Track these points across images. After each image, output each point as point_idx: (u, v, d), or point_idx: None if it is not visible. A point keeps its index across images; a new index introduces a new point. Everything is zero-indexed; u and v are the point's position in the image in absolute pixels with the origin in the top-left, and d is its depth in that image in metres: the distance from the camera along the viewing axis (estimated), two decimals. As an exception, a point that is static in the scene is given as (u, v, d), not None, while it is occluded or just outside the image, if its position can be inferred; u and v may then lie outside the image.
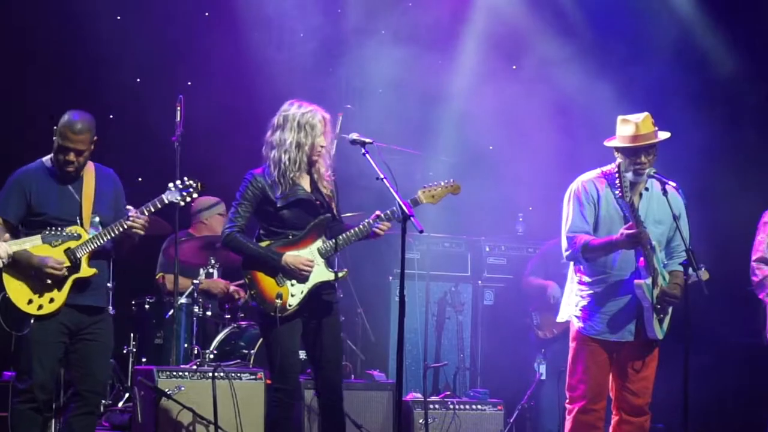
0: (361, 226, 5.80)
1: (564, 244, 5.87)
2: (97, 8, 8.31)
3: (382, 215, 5.78)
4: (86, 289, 5.57)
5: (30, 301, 5.47)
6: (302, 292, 5.75)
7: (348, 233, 5.80)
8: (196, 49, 8.63)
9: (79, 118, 5.55)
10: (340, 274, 5.85)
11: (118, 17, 8.61)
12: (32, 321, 5.46)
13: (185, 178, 5.71)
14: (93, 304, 5.61)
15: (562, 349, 7.84)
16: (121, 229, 5.54)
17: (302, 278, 5.73)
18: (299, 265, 5.71)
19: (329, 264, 5.85)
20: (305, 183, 5.82)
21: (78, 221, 5.56)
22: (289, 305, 5.71)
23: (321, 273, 5.79)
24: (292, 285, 5.75)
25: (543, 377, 8.13)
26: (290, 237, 5.77)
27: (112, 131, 8.59)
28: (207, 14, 8.87)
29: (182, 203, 5.71)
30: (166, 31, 8.50)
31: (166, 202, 5.64)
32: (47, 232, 5.44)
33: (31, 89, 8.15)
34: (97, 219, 5.60)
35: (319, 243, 5.80)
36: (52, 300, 5.49)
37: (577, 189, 5.89)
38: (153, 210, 5.60)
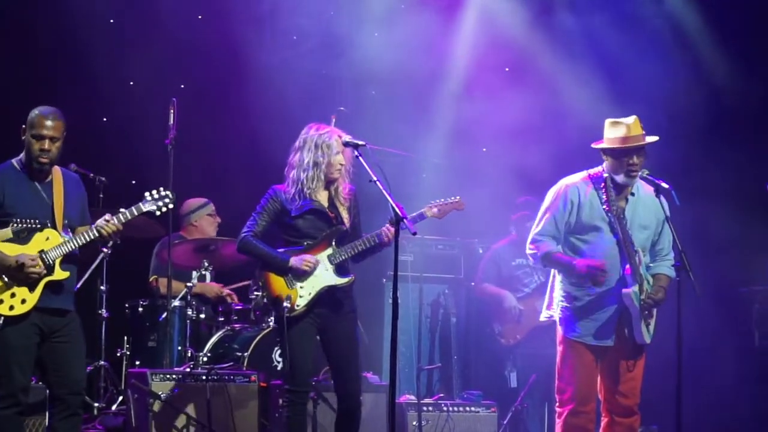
0: (368, 236, 5.93)
1: (529, 242, 5.91)
2: (90, 11, 8.31)
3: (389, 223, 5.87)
4: (57, 292, 5.53)
5: (1, 301, 5.43)
6: (309, 294, 5.87)
7: (356, 241, 5.94)
8: (190, 52, 8.63)
9: (50, 109, 5.58)
10: (345, 280, 5.93)
11: (111, 21, 8.61)
12: (1, 320, 5.40)
13: (161, 189, 5.70)
14: (62, 307, 5.56)
15: (532, 353, 7.89)
16: (94, 234, 5.51)
17: (303, 274, 5.84)
18: (301, 262, 5.84)
19: (340, 271, 5.93)
20: (322, 198, 5.98)
21: (49, 224, 5.52)
22: (297, 306, 5.84)
23: (329, 278, 5.91)
24: (301, 287, 5.88)
25: (514, 385, 8.13)
26: (305, 245, 5.93)
27: (105, 134, 8.63)
28: (200, 17, 8.86)
29: (158, 213, 5.70)
30: (160, 34, 8.50)
31: (144, 210, 5.64)
32: (16, 225, 5.41)
33: (23, 92, 8.13)
34: (65, 222, 5.56)
35: (329, 251, 5.93)
36: (24, 301, 5.44)
37: (558, 192, 5.89)
38: (129, 217, 5.58)
